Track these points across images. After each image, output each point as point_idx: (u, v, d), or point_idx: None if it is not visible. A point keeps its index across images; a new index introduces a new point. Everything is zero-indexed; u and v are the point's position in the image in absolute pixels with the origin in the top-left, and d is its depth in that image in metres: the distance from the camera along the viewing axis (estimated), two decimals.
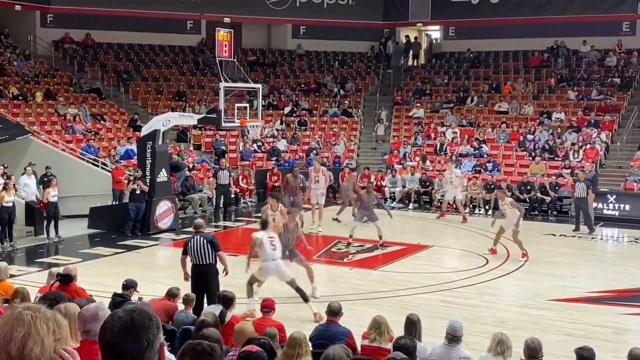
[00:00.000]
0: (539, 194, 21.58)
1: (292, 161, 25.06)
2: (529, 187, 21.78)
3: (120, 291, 8.72)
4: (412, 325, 7.22)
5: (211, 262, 10.42)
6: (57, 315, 2.41)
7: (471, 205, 22.22)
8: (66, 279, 8.25)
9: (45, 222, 17.44)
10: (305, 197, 19.16)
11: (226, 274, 10.55)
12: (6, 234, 16.34)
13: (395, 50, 32.27)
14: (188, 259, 10.59)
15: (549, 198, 21.47)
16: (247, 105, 19.86)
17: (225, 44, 18.53)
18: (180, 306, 8.90)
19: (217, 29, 19.15)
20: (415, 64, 32.89)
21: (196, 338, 5.59)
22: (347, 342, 7.20)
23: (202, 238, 10.50)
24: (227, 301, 7.92)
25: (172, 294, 9.00)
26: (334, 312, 7.79)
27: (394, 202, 23.09)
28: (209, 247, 10.38)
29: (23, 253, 16.30)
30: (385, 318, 7.53)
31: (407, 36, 32.61)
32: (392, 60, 32.10)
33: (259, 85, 20.48)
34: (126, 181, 18.86)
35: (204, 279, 10.36)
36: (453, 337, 6.94)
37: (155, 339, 2.36)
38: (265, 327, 7.07)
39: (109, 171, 20.51)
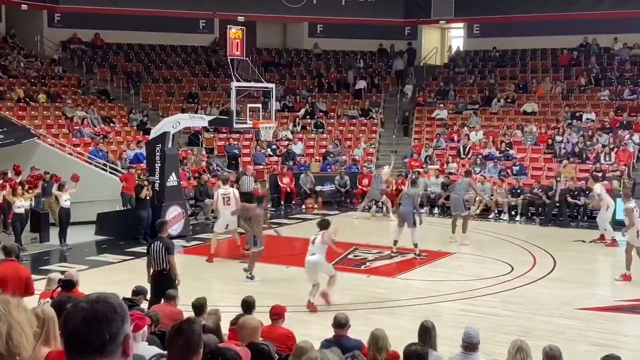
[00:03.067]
0: (569, 199, 20.80)
1: (308, 164, 24.37)
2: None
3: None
4: (426, 332, 6.94)
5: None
6: (22, 302, 2.50)
7: (496, 211, 21.43)
8: (68, 285, 7.96)
9: (58, 229, 17.09)
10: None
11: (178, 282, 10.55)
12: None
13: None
14: None
15: (579, 202, 20.78)
16: (260, 106, 19.21)
17: (238, 42, 18.06)
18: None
19: (228, 26, 18.61)
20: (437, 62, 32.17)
21: None
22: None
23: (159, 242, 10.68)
24: (198, 309, 7.84)
25: (169, 297, 8.86)
26: (340, 324, 7.39)
27: None
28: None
29: (28, 260, 15.89)
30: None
31: (409, 43, 31.86)
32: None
33: (272, 85, 20.04)
34: (140, 188, 18.08)
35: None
36: (469, 345, 6.71)
37: (119, 332, 2.31)
38: (275, 335, 7.19)
39: (118, 176, 20.18)
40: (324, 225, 12.39)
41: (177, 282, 10.48)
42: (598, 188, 17.83)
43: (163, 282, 10.28)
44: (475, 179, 21.18)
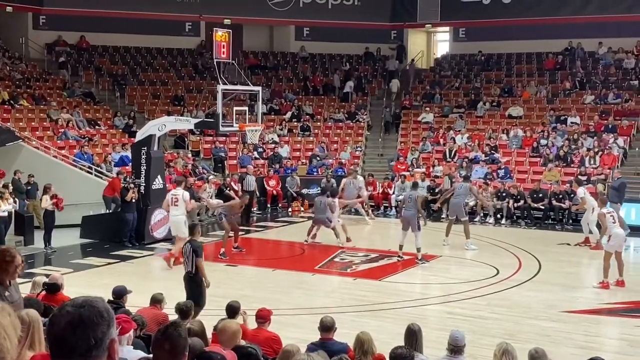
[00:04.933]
0: (554, 202, 20.80)
1: (294, 168, 24.24)
2: (541, 195, 21.10)
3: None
4: (412, 335, 6.92)
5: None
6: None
7: (482, 214, 21.33)
8: (53, 288, 8.05)
9: (43, 232, 16.87)
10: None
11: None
12: None
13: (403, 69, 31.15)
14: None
15: (563, 205, 20.72)
16: (247, 109, 19.17)
17: (224, 45, 17.99)
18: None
19: (215, 29, 18.48)
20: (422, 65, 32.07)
21: None
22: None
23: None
24: (184, 313, 7.85)
25: (155, 300, 8.79)
26: (327, 327, 7.29)
27: None
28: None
29: None
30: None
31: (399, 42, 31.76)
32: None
33: (259, 88, 19.96)
34: (126, 191, 17.92)
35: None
36: (454, 348, 6.72)
37: (104, 337, 2.31)
38: (261, 338, 7.16)
39: (103, 179, 19.94)
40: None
41: (206, 285, 10.53)
42: (582, 191, 17.98)
43: (189, 285, 10.47)
44: (475, 182, 21.13)
